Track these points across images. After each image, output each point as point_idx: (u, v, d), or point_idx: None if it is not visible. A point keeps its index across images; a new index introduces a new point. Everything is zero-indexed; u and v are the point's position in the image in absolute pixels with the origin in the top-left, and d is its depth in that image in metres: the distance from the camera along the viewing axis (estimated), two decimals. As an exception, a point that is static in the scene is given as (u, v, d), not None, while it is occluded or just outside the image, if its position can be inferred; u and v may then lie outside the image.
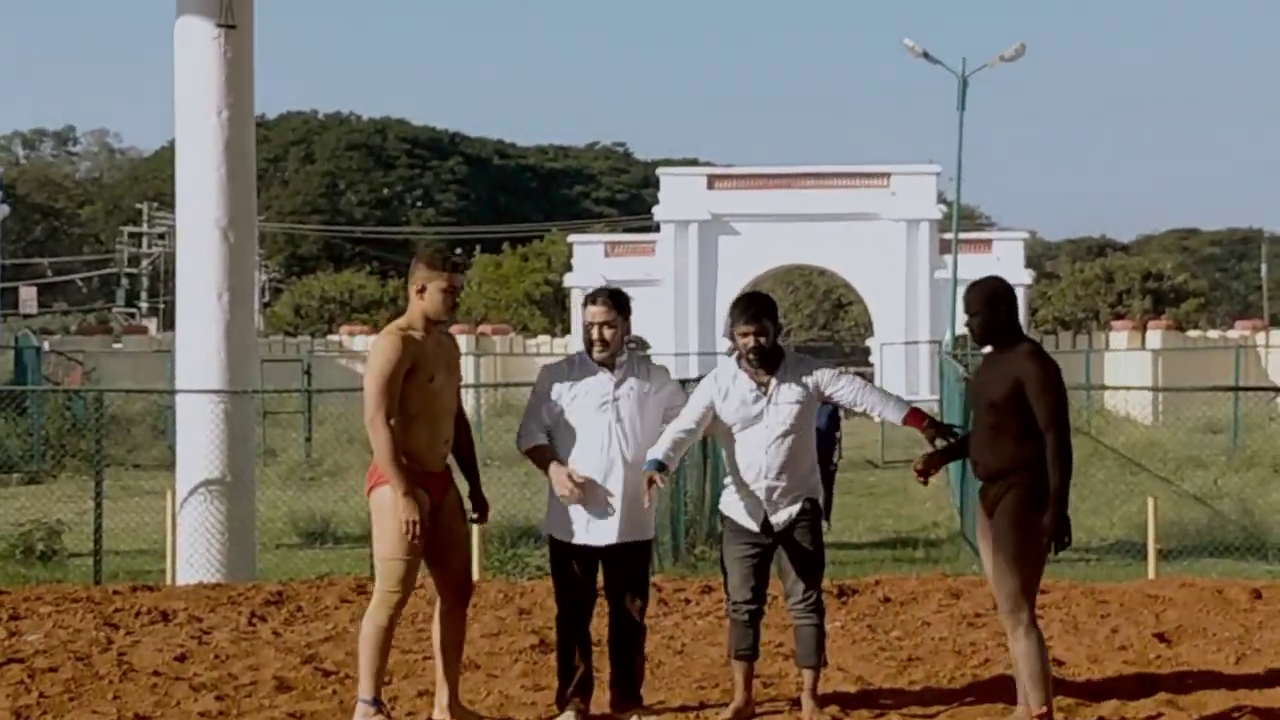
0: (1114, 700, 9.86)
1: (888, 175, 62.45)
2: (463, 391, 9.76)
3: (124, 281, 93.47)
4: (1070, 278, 75.16)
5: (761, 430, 9.34)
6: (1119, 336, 56.76)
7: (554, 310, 72.78)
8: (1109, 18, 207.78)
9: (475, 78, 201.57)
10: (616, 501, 9.28)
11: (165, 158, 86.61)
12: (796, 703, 9.65)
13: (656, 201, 64.45)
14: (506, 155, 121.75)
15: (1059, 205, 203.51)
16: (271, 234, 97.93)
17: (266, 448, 32.67)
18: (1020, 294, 52.35)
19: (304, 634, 12.52)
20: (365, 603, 13.71)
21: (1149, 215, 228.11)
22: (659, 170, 68.72)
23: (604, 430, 9.31)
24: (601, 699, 9.60)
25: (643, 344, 52.74)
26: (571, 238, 67.49)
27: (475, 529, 14.58)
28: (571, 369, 9.51)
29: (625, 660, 9.55)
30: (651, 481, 9.12)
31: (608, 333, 9.37)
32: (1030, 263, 64.94)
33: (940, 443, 9.26)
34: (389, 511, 8.89)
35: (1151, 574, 16.64)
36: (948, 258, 55.32)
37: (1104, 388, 44.48)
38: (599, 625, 9.65)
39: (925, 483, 9.53)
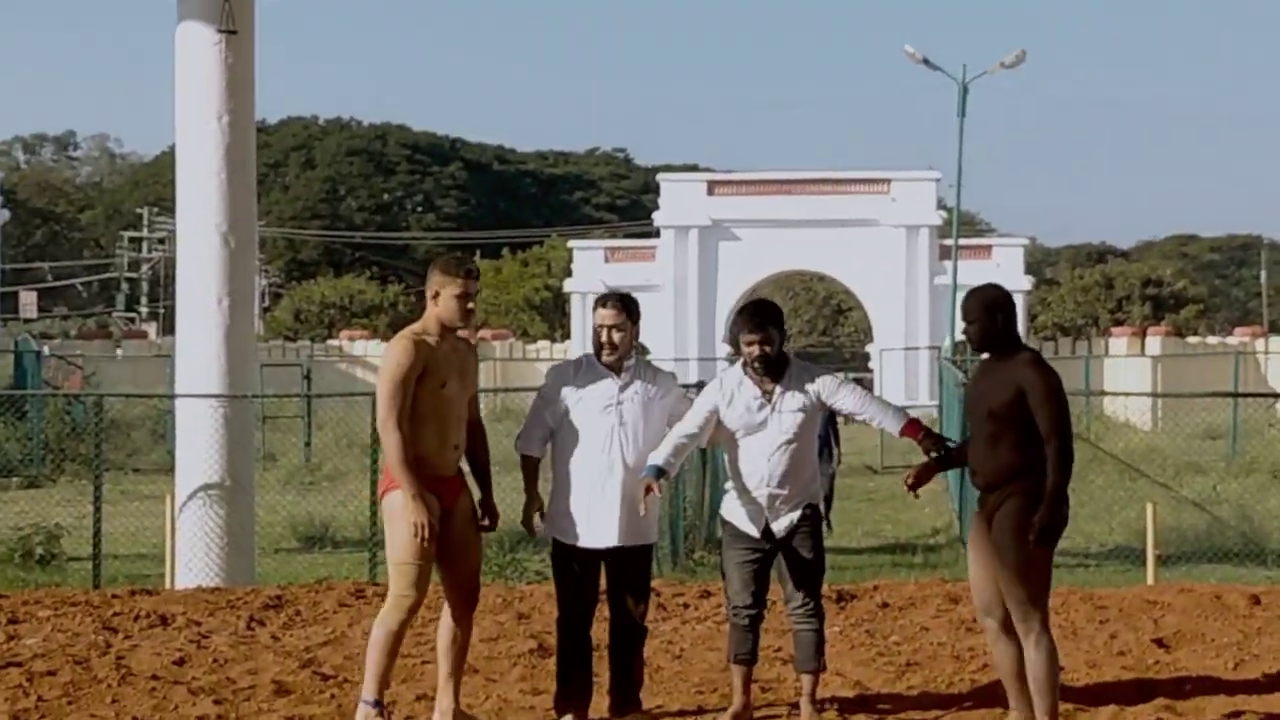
0: (1113, 705, 9.87)
1: (888, 181, 62.43)
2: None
3: (124, 286, 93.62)
4: (1070, 284, 75.08)
5: (765, 438, 9.35)
6: (1119, 342, 56.77)
7: (554, 315, 72.78)
8: (1109, 25, 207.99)
9: (475, 83, 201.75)
10: (617, 505, 9.29)
11: (166, 163, 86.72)
12: (795, 707, 9.66)
13: (657, 207, 64.46)
14: (506, 161, 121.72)
15: (1059, 212, 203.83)
16: (272, 239, 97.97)
17: (266, 452, 32.69)
18: (1020, 300, 52.43)
19: (303, 638, 12.52)
20: (364, 607, 13.80)
21: (1149, 221, 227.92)
22: (659, 176, 68.73)
23: (606, 433, 9.33)
24: (600, 704, 9.61)
25: (642, 349, 52.72)
26: (571, 243, 67.50)
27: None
28: (578, 371, 9.53)
29: (625, 664, 9.56)
30: (649, 489, 9.14)
31: (617, 336, 9.39)
32: (1030, 269, 64.93)
33: (934, 454, 9.27)
34: (400, 515, 8.89)
35: (1150, 580, 16.65)
36: (947, 264, 55.38)
37: (1104, 394, 44.49)
38: (598, 630, 9.65)
39: (917, 495, 9.54)
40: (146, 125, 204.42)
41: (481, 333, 60.18)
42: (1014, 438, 8.74)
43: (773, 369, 9.35)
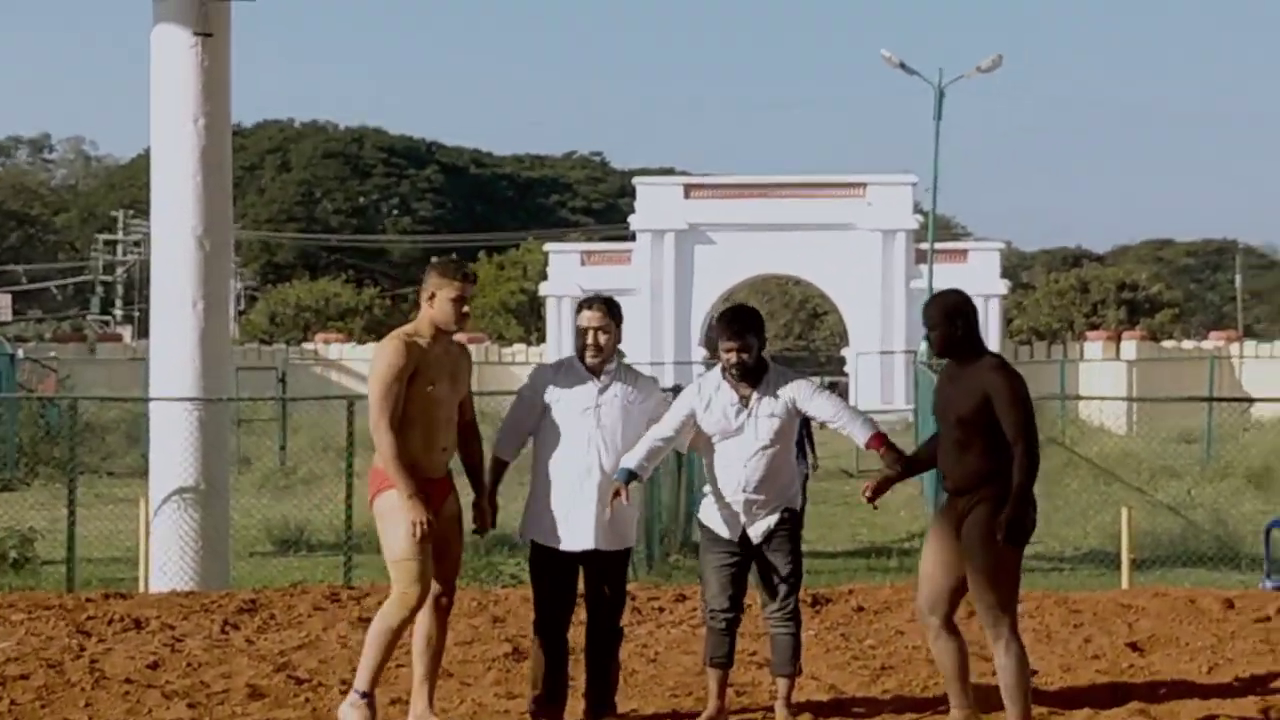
0: (1087, 709, 9.88)
1: (864, 185, 62.43)
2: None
3: (99, 289, 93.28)
4: (1045, 288, 75.27)
5: (742, 443, 9.36)
6: (1094, 347, 56.91)
7: (530, 319, 72.74)
8: (1085, 30, 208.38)
9: (452, 87, 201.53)
10: (595, 508, 9.29)
11: (141, 166, 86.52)
12: (770, 711, 9.68)
13: (633, 210, 64.41)
14: (483, 164, 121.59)
15: (1034, 216, 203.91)
16: (247, 242, 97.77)
17: (241, 455, 32.61)
18: (995, 304, 52.54)
19: (277, 642, 12.50)
20: (339, 611, 13.80)
21: (1124, 226, 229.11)
22: (635, 179, 68.65)
23: (585, 436, 9.34)
24: (575, 707, 9.61)
25: (618, 353, 52.65)
26: (547, 246, 67.41)
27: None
28: (558, 372, 9.56)
29: (601, 668, 9.57)
30: (617, 493, 9.15)
31: (602, 338, 9.41)
32: (1006, 273, 64.98)
33: (894, 469, 9.26)
34: (395, 515, 8.92)
35: (1125, 584, 16.68)
36: (923, 268, 55.42)
37: (1078, 398, 44.56)
38: (574, 633, 9.65)
39: (875, 505, 9.50)
40: (122, 128, 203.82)
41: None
42: (983, 443, 8.78)
43: (750, 375, 9.36)
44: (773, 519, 9.40)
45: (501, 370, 53.75)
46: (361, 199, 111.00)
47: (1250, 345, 58.64)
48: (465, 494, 9.36)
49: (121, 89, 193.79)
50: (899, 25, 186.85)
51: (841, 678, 10.92)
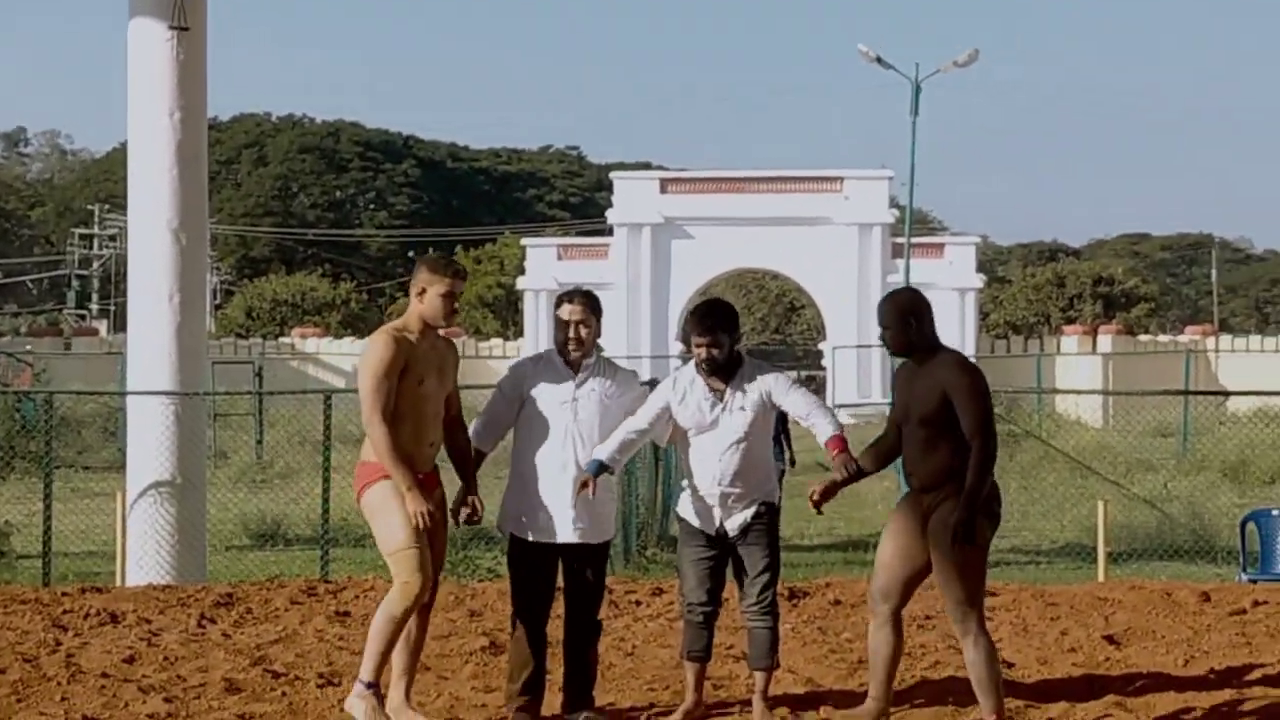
0: (1063, 702, 9.90)
1: (840, 180, 62.53)
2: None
3: (75, 283, 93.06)
4: (1021, 282, 75.35)
5: (716, 436, 9.35)
6: (1070, 341, 57.04)
7: (507, 313, 72.73)
8: (1061, 24, 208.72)
9: (428, 81, 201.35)
10: (571, 501, 9.29)
11: (117, 159, 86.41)
12: (747, 704, 9.67)
13: (610, 205, 64.43)
14: (459, 158, 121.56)
15: (1011, 210, 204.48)
16: (224, 236, 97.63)
17: (217, 450, 32.57)
18: (971, 298, 52.46)
19: (254, 636, 12.47)
20: (315, 605, 13.77)
21: (1100, 220, 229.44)
22: (612, 174, 68.71)
23: (561, 430, 9.34)
24: (553, 701, 9.60)
25: (598, 347, 52.64)
26: (524, 241, 67.43)
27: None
28: (537, 366, 9.56)
29: (579, 661, 9.56)
30: (585, 484, 9.14)
31: (584, 331, 9.41)
32: (982, 267, 65.10)
33: (841, 473, 9.21)
34: (387, 507, 8.95)
35: (1101, 576, 16.72)
36: (900, 262, 55.47)
37: (1055, 391, 44.70)
38: (552, 626, 9.64)
39: (820, 511, 9.45)
40: (98, 122, 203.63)
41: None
42: (948, 441, 8.81)
43: (722, 370, 9.35)
44: (749, 512, 9.40)
45: (479, 364, 53.72)
46: (338, 193, 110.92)
47: (1226, 339, 58.81)
48: (450, 488, 9.38)
49: (97, 83, 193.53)
50: (876, 20, 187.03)
51: (818, 671, 10.93)
